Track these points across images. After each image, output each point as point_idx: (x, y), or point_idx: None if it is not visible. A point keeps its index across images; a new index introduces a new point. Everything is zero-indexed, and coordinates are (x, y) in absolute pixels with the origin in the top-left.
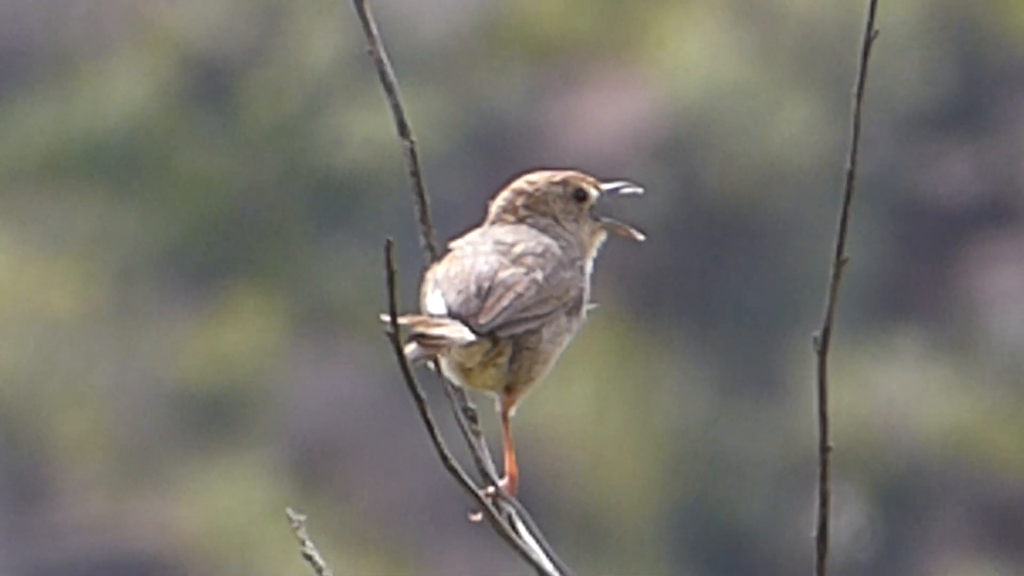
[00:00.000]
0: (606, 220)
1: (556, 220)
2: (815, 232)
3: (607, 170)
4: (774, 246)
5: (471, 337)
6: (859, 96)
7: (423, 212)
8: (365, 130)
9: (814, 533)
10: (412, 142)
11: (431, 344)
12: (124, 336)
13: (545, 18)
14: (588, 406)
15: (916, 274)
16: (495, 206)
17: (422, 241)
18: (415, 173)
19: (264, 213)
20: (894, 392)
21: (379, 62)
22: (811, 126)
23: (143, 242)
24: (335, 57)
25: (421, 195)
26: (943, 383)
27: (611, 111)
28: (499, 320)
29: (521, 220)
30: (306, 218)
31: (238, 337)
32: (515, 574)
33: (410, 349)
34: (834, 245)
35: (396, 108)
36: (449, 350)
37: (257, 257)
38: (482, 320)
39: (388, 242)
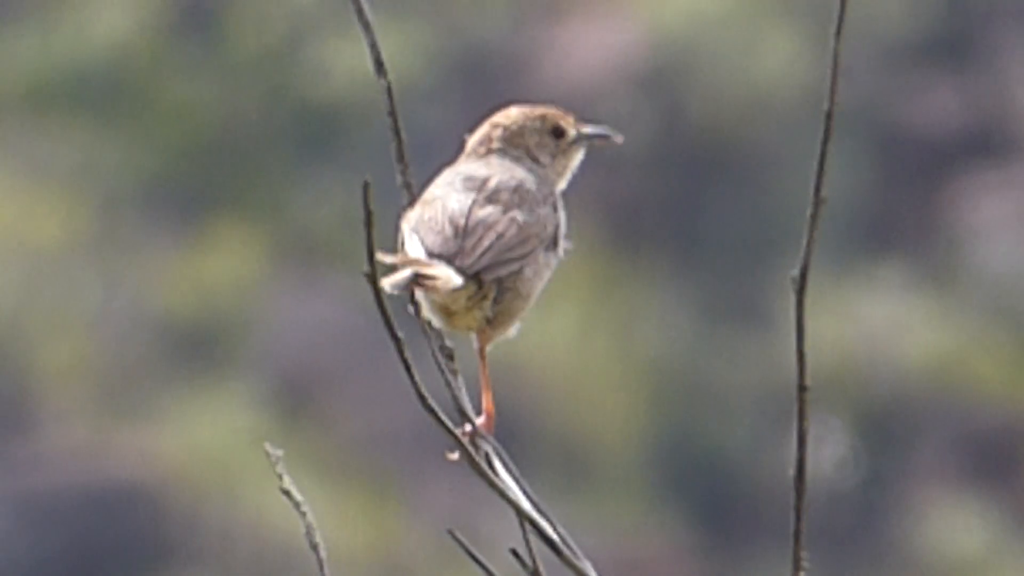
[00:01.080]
0: (584, 132)
1: (530, 155)
2: (797, 163)
3: (590, 101)
4: (756, 177)
5: (459, 281)
6: (837, 34)
7: (399, 151)
8: (348, 61)
9: (792, 472)
10: (388, 81)
11: (424, 285)
12: (108, 266)
13: None
14: (570, 337)
15: (899, 205)
16: (471, 140)
17: (399, 179)
18: (392, 112)
19: (247, 143)
20: (877, 323)
21: (356, 0)
22: (794, 57)
23: (127, 172)
24: None
25: (398, 133)
26: (926, 314)
27: (595, 41)
28: (484, 261)
29: (494, 152)
30: (289, 148)
31: (221, 267)
32: (495, 507)
33: (392, 280)
34: (812, 180)
35: (373, 47)
36: (437, 292)
37: (240, 187)
38: (467, 262)
39: (365, 183)
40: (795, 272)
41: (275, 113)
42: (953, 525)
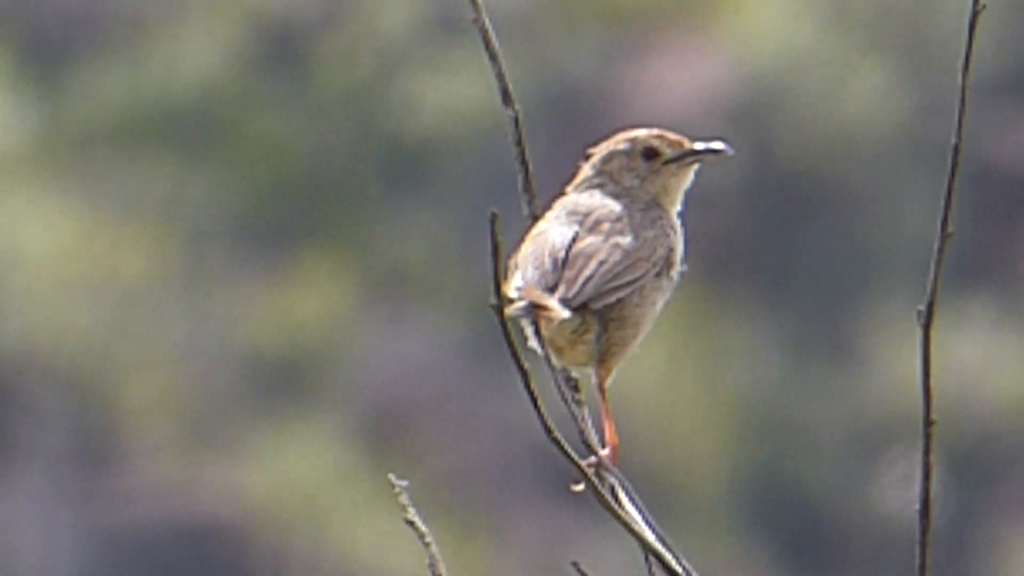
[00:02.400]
0: (688, 148)
1: (614, 178)
2: (887, 199)
3: (680, 135)
4: (847, 213)
5: (567, 313)
6: (965, 69)
7: (527, 181)
8: (437, 95)
9: (917, 507)
10: (516, 111)
11: (538, 316)
12: (196, 300)
13: None
14: (661, 373)
15: (989, 241)
16: (581, 173)
17: (525, 210)
18: (519, 142)
19: (336, 178)
20: (967, 360)
21: (483, 29)
22: (884, 92)
23: (215, 206)
24: (408, 22)
25: (525, 164)
26: (1016, 350)
27: (685, 76)
28: (588, 291)
29: (595, 186)
30: (378, 183)
31: (309, 301)
32: (585, 541)
33: (515, 307)
34: (906, 212)
35: (500, 77)
36: (550, 321)
37: (329, 221)
38: (570, 293)
39: (493, 213)
40: (921, 306)
41: (363, 147)
42: None
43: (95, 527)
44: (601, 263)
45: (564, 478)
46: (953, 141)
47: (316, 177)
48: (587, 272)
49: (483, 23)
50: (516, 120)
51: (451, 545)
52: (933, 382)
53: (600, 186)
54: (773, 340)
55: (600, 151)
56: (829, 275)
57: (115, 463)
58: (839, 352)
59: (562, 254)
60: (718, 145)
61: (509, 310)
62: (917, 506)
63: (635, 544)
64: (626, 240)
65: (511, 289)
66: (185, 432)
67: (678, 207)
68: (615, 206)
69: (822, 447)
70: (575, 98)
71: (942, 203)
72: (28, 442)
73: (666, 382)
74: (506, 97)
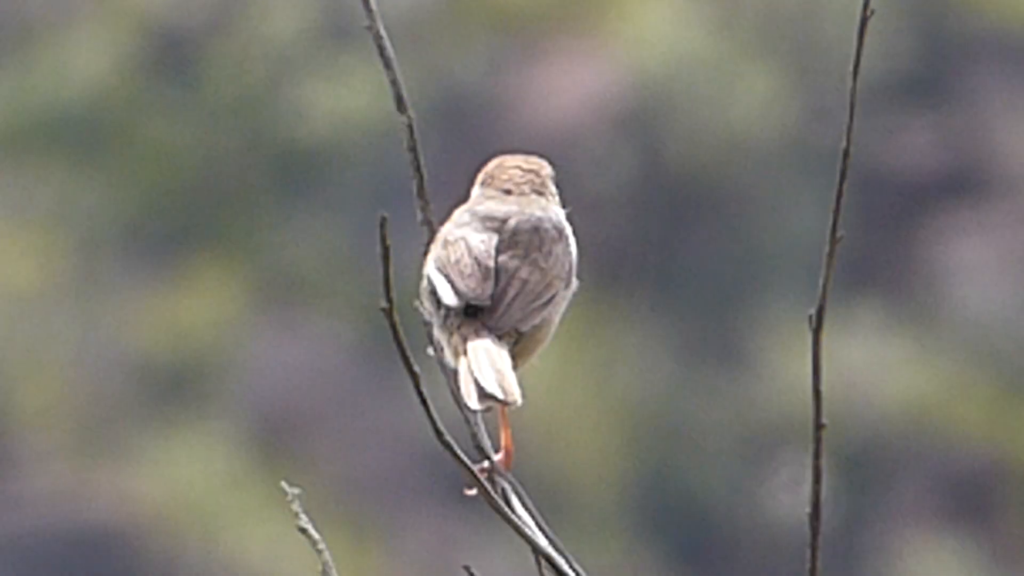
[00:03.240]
0: None
1: (543, 196)
2: (776, 203)
3: (569, 142)
4: (735, 218)
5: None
6: (855, 74)
7: (420, 187)
8: (328, 101)
9: (808, 510)
10: (410, 117)
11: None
12: (86, 307)
13: None
14: (549, 377)
15: (877, 246)
16: (492, 177)
17: (419, 216)
18: (412, 148)
19: (226, 184)
20: (856, 365)
21: (377, 36)
22: (773, 98)
23: (105, 213)
24: (298, 27)
25: (419, 170)
26: (904, 355)
27: (573, 83)
28: (514, 315)
29: (508, 193)
30: (268, 189)
31: (200, 308)
32: (475, 547)
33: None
34: (794, 216)
35: (394, 83)
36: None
37: (219, 228)
38: (498, 321)
39: (382, 217)
40: (812, 311)
41: (254, 154)
42: (931, 567)
43: None
44: (524, 282)
45: (457, 484)
46: (843, 145)
47: (207, 183)
48: (511, 292)
49: (377, 30)
50: (410, 127)
51: (343, 552)
52: (823, 386)
53: (513, 193)
54: (662, 345)
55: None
56: (718, 280)
57: (5, 469)
58: (728, 357)
59: (491, 263)
60: None
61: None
62: (808, 509)
63: (527, 549)
64: (542, 259)
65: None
66: (75, 438)
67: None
68: (530, 215)
69: (712, 451)
70: (464, 104)
71: (832, 207)
72: None
73: (556, 388)
74: (400, 103)
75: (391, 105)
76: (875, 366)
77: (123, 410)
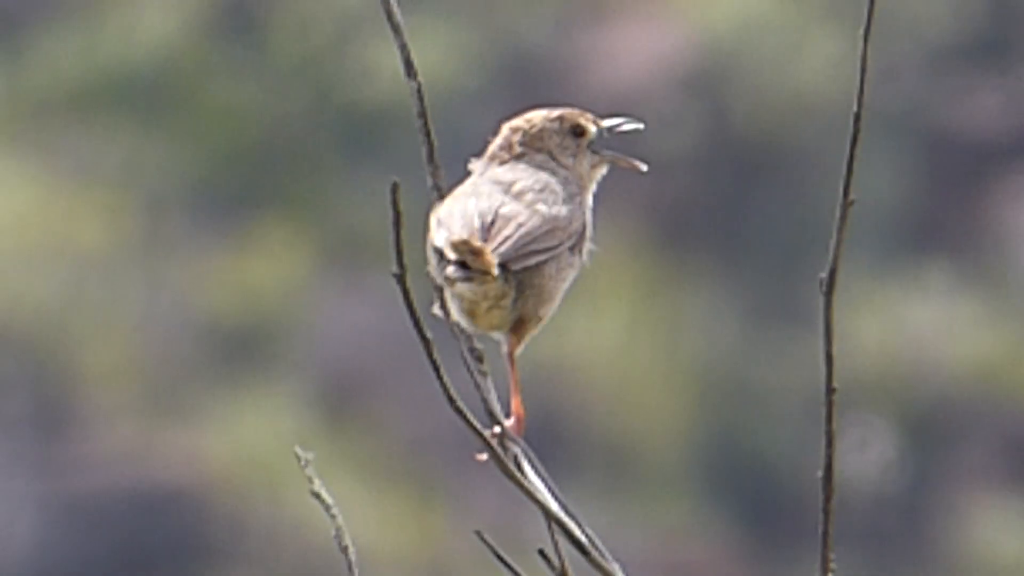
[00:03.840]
0: (607, 153)
1: (553, 156)
2: (843, 166)
3: (635, 104)
4: (802, 180)
5: (497, 269)
6: (866, 38)
7: (430, 152)
8: (393, 63)
9: (820, 473)
10: (419, 82)
11: (474, 262)
12: (153, 268)
13: None
14: (616, 338)
15: (944, 207)
16: (493, 145)
17: (429, 181)
18: (422, 114)
19: (293, 145)
20: (923, 326)
21: (385, 2)
22: (839, 61)
23: (172, 174)
24: None
25: (428, 135)
26: (972, 317)
27: (640, 44)
28: (506, 249)
29: (518, 158)
30: (335, 150)
31: (266, 269)
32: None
33: (451, 270)
34: (861, 178)
35: (402, 48)
36: (484, 276)
37: (286, 189)
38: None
39: (394, 183)
40: (823, 274)
41: (320, 115)
42: (998, 528)
43: (53, 494)
44: (520, 225)
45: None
46: (854, 110)
47: (273, 144)
48: (506, 231)
49: None
50: (420, 92)
51: (408, 512)
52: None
53: (526, 159)
54: (729, 306)
55: (525, 127)
56: (784, 241)
57: (73, 430)
58: (795, 318)
59: (489, 216)
60: (628, 121)
61: (444, 269)
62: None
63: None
64: (546, 208)
65: (438, 241)
66: (142, 399)
67: (594, 188)
68: (538, 178)
69: (778, 413)
70: (531, 66)
71: (844, 170)
72: None
73: (622, 349)
74: (409, 68)
75: (454, 69)
76: (943, 327)
77: (190, 371)
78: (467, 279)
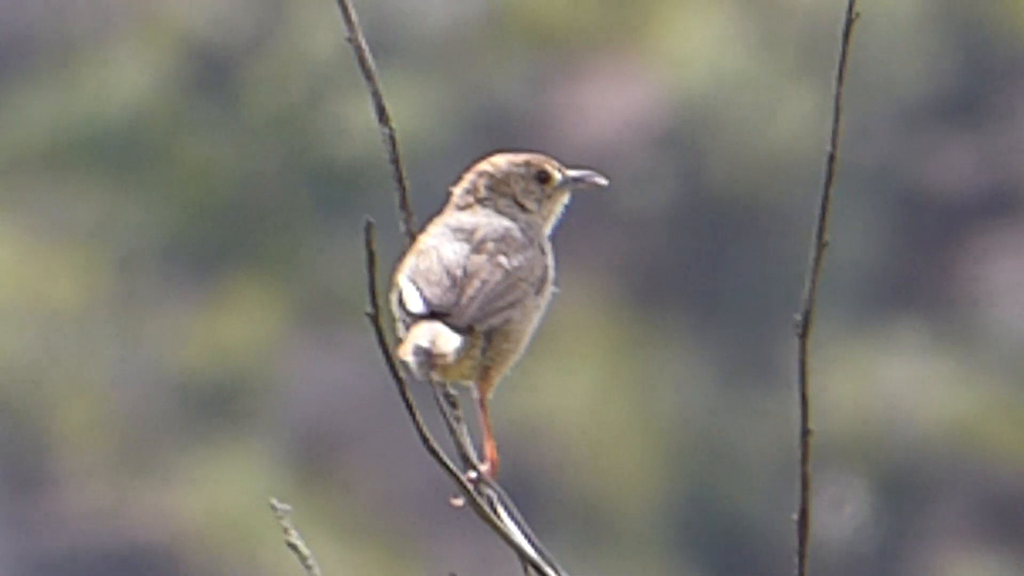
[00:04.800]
0: (569, 176)
1: (516, 201)
2: (817, 223)
3: (609, 160)
4: (777, 237)
5: (458, 342)
6: (840, 79)
7: (403, 198)
8: (367, 119)
9: (795, 516)
10: (392, 129)
11: (436, 365)
12: (126, 325)
13: (548, 7)
14: (589, 396)
15: (918, 265)
16: (458, 189)
17: (402, 227)
18: (394, 160)
19: (267, 202)
20: (896, 384)
21: (358, 48)
22: (814, 117)
23: (145, 231)
24: (338, 46)
25: (401, 181)
26: (945, 375)
27: (614, 101)
28: (473, 311)
29: (481, 202)
30: (309, 207)
31: (240, 326)
32: (511, 566)
33: (415, 363)
34: (835, 236)
35: (375, 94)
36: (447, 363)
37: (260, 246)
38: (457, 318)
39: (368, 223)
40: (798, 316)
41: (293, 172)
42: None
43: (26, 553)
44: (484, 282)
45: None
46: (828, 150)
47: (247, 201)
48: (470, 291)
49: (358, 42)
50: (392, 138)
51: (381, 570)
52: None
53: (489, 203)
54: (703, 364)
55: (490, 171)
56: (759, 299)
57: (46, 489)
58: (769, 376)
59: (459, 272)
60: (591, 173)
61: (406, 358)
62: (795, 516)
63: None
64: (507, 260)
65: (408, 307)
66: (116, 457)
67: (548, 230)
68: (499, 224)
69: (752, 471)
70: (504, 121)
71: (818, 213)
72: None
73: (596, 406)
74: (382, 115)
75: (428, 123)
76: (917, 385)
77: (163, 429)
78: (427, 367)
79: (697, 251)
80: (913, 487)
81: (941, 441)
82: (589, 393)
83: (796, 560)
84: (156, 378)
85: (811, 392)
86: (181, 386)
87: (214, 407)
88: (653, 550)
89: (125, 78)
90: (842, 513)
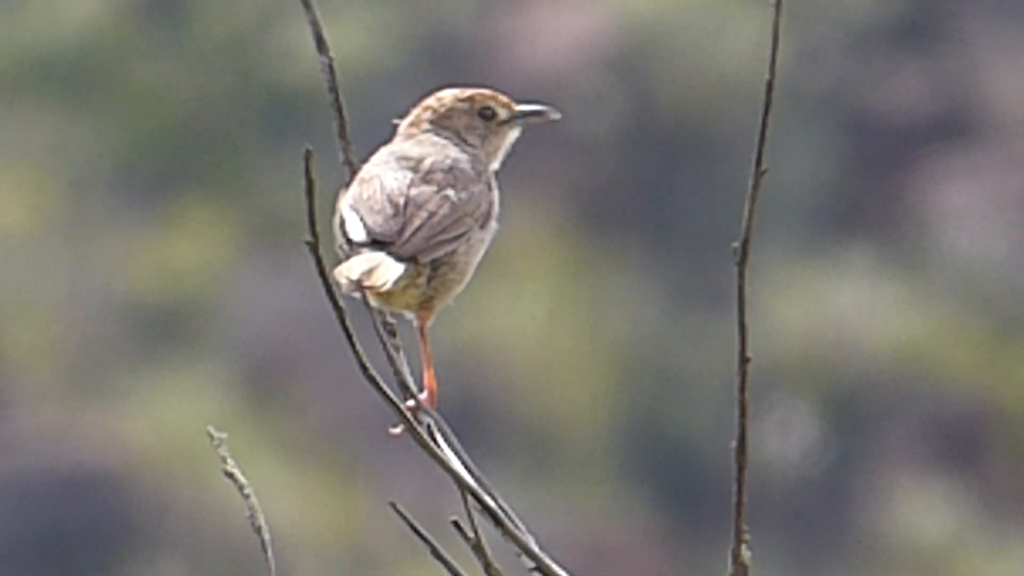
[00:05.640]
0: (517, 111)
1: (460, 136)
2: (767, 146)
3: (559, 85)
4: (725, 161)
5: (399, 272)
6: (777, 6)
7: (341, 127)
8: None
9: (733, 444)
10: (330, 59)
11: (368, 290)
12: (75, 248)
13: None
14: (538, 320)
15: (867, 189)
16: (403, 123)
17: (340, 157)
18: (333, 89)
19: (216, 126)
20: (845, 308)
21: None
22: (762, 41)
23: (95, 154)
24: None
25: (340, 111)
26: (895, 298)
27: (563, 25)
28: (417, 242)
29: (426, 132)
30: (257, 131)
31: (189, 249)
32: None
33: (346, 285)
34: (783, 159)
35: (314, 24)
36: (380, 292)
37: (208, 170)
38: (400, 248)
39: (307, 151)
40: (736, 244)
41: (243, 95)
42: (920, 510)
43: None
44: (431, 214)
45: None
46: (766, 78)
47: (196, 125)
48: (416, 223)
49: None
50: (331, 67)
51: (331, 491)
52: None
53: (434, 133)
54: (652, 288)
55: (434, 106)
56: (706, 223)
57: None
58: (717, 300)
59: (401, 200)
60: (544, 108)
61: (342, 285)
62: (733, 444)
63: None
64: (455, 194)
65: (351, 235)
66: (65, 380)
67: (496, 165)
68: (447, 155)
69: (700, 394)
70: (454, 47)
71: (756, 139)
72: None
73: (545, 330)
74: (320, 44)
75: (377, 48)
76: (866, 310)
77: (112, 352)
78: (367, 293)
79: (645, 175)
80: (861, 410)
81: (889, 364)
82: (537, 317)
83: (734, 488)
84: (105, 301)
85: (752, 319)
86: (130, 309)
87: (163, 330)
88: (600, 474)
89: (74, 2)
90: (789, 437)
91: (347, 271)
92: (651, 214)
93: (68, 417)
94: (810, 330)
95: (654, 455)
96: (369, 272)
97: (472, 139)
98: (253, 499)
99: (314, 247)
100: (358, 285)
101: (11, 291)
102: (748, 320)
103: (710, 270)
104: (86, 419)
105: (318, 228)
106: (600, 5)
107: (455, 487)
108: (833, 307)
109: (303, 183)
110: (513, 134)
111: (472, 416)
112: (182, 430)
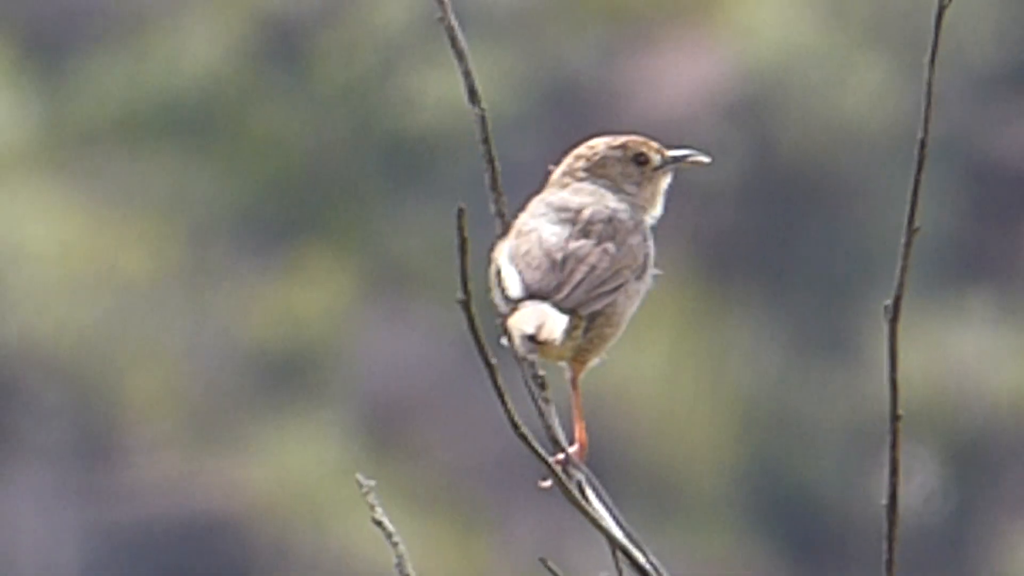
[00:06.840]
0: (669, 157)
1: (616, 184)
2: (888, 195)
3: (680, 132)
4: (847, 209)
5: (564, 324)
6: (931, 63)
7: (493, 179)
8: (438, 90)
9: (884, 501)
10: (483, 109)
11: (541, 345)
12: (197, 296)
13: None
14: (661, 369)
15: (989, 236)
16: (556, 172)
17: (492, 208)
18: (486, 140)
19: (337, 173)
20: (967, 355)
21: (450, 28)
22: (884, 88)
23: (217, 201)
24: (408, 17)
25: (492, 162)
26: (1015, 346)
27: (685, 72)
28: (578, 296)
29: (582, 181)
30: (379, 178)
31: (310, 297)
32: (584, 536)
33: (520, 347)
34: (906, 210)
35: (467, 75)
36: (551, 348)
37: (330, 217)
38: (560, 298)
39: (460, 209)
40: (888, 302)
41: (365, 142)
42: None
43: (97, 523)
44: (592, 268)
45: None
46: (919, 136)
47: (317, 172)
48: (578, 277)
49: (449, 22)
50: (483, 118)
51: (452, 541)
52: (876, 368)
53: (590, 181)
54: (773, 336)
55: (587, 154)
56: (829, 271)
57: (117, 459)
58: (839, 348)
59: (559, 255)
60: (694, 152)
61: (513, 340)
62: (884, 501)
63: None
64: (613, 247)
65: (508, 291)
66: (187, 428)
67: (659, 212)
68: (606, 204)
69: (822, 443)
70: (576, 94)
71: (909, 197)
72: (30, 439)
73: (667, 378)
74: (473, 95)
75: (499, 94)
76: (987, 357)
77: (234, 399)
78: (534, 351)
79: (768, 223)
80: (982, 458)
81: (1011, 412)
82: (660, 365)
83: (885, 546)
84: (227, 349)
85: (874, 367)
86: (252, 357)
87: (284, 378)
88: (724, 522)
89: (197, 48)
90: (911, 484)
91: (520, 324)
92: (772, 262)
93: (190, 465)
94: (931, 377)
95: (776, 503)
96: (539, 327)
97: (628, 187)
98: (402, 547)
99: (467, 304)
100: (532, 339)
101: (133, 339)
102: (898, 378)
103: (832, 318)
104: (208, 467)
105: (469, 287)
106: (722, 52)
107: (598, 536)
108: (954, 354)
109: (456, 240)
110: (667, 180)
111: (594, 465)
112: (303, 478)
